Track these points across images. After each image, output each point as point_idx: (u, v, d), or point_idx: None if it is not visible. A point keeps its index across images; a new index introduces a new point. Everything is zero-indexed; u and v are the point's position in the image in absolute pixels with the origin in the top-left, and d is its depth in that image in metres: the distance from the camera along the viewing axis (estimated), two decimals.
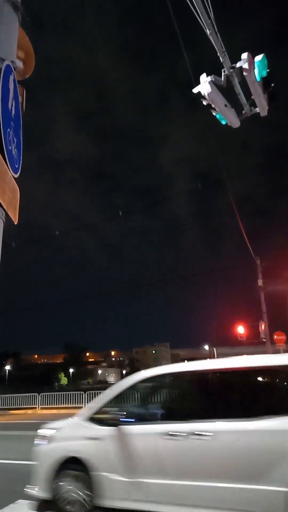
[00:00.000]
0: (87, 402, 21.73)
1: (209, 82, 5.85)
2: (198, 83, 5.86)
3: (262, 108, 6.12)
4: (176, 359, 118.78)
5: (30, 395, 23.88)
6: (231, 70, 5.84)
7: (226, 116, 6.23)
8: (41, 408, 22.97)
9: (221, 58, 5.80)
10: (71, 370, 75.24)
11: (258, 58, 5.65)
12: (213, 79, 5.88)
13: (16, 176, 2.38)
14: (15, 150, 2.34)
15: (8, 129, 2.18)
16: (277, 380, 4.34)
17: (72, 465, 4.49)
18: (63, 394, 23.66)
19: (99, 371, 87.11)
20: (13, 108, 2.32)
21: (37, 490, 4.68)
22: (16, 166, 2.38)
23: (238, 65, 5.73)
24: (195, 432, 3.88)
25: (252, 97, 6.00)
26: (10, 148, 2.22)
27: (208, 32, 5.59)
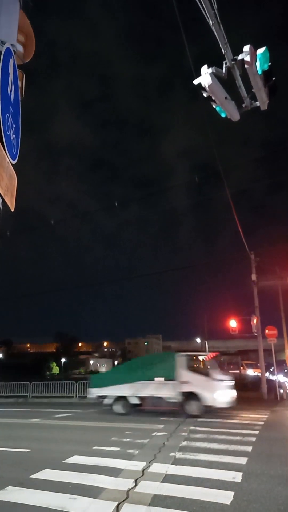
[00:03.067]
0: (79, 392, 21.82)
1: (210, 74, 5.79)
2: (199, 74, 5.81)
3: (262, 101, 6.09)
4: (168, 351, 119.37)
5: (21, 384, 23.92)
6: (232, 62, 5.79)
7: (226, 109, 6.19)
8: (32, 397, 23.03)
9: (223, 50, 5.74)
10: (63, 360, 75.36)
11: (260, 51, 5.60)
12: (214, 71, 5.83)
13: (14, 162, 2.34)
14: (14, 136, 2.30)
15: (7, 114, 2.14)
16: None
17: None
18: (55, 383, 23.73)
19: (91, 361, 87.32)
20: (12, 92, 2.27)
21: None
22: (14, 153, 2.34)
23: (240, 57, 5.68)
24: None
25: (252, 90, 5.96)
26: (8, 133, 2.18)
27: (210, 23, 5.53)
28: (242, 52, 5.64)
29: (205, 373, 13.26)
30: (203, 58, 5.96)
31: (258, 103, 6.17)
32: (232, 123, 6.47)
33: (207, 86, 5.83)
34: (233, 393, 13.26)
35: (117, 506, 4.50)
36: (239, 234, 19.60)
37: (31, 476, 5.76)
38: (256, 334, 21.56)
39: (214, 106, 6.21)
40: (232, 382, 13.59)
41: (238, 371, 35.65)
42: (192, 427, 10.29)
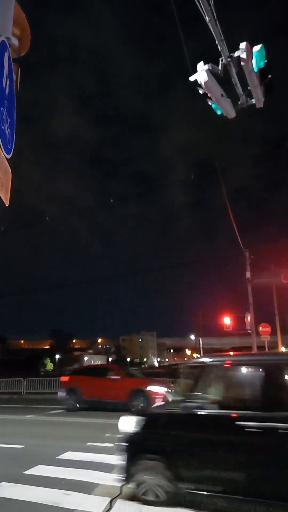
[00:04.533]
0: None
1: (206, 71, 5.78)
2: (196, 71, 5.79)
3: (258, 99, 6.08)
4: (162, 348, 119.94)
5: (15, 380, 23.87)
6: (228, 59, 5.78)
7: (222, 106, 6.18)
8: (27, 393, 23.00)
9: (219, 47, 5.72)
10: (57, 356, 75.33)
11: (257, 48, 5.59)
12: (210, 68, 5.82)
13: (8, 157, 2.32)
14: (8, 130, 2.29)
15: (2, 108, 2.12)
16: None
17: None
18: (49, 379, 23.71)
19: (85, 358, 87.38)
20: (7, 86, 2.25)
21: None
22: (9, 147, 2.32)
23: (236, 54, 5.67)
24: None
25: (248, 87, 5.96)
26: (3, 128, 2.16)
27: (207, 19, 5.50)
28: (238, 49, 5.63)
29: None
30: (203, 56, 5.93)
31: (253, 101, 6.16)
32: (232, 119, 6.46)
33: (203, 83, 5.82)
34: None
35: (111, 501, 4.52)
36: (234, 231, 19.66)
37: (25, 472, 5.76)
38: (250, 331, 21.68)
39: (210, 103, 6.20)
40: None
41: None
42: None
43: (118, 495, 4.72)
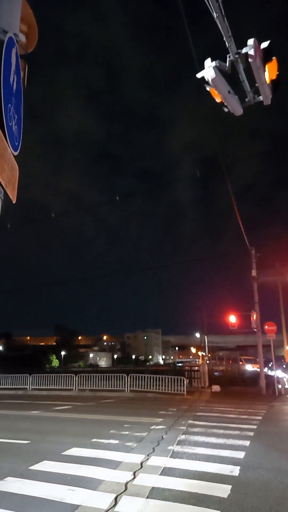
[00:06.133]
0: (78, 385, 21.94)
1: (214, 67, 5.74)
2: (203, 67, 5.76)
3: (265, 96, 6.04)
4: (167, 346, 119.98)
5: (21, 376, 24.00)
6: (236, 56, 5.74)
7: (229, 103, 6.15)
8: (32, 389, 23.13)
9: (226, 43, 5.68)
10: (62, 353, 75.61)
11: (264, 44, 5.55)
12: (218, 65, 5.78)
13: (15, 154, 2.32)
14: (16, 127, 2.28)
15: (9, 105, 2.12)
16: None
17: None
18: (54, 376, 23.82)
19: (91, 355, 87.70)
20: (15, 83, 2.25)
21: None
22: (16, 144, 2.32)
23: (243, 51, 5.63)
24: None
25: (256, 84, 5.92)
26: (10, 124, 2.16)
27: (215, 15, 5.47)
28: (246, 45, 5.59)
29: None
30: (210, 52, 5.92)
31: (261, 98, 6.12)
32: (240, 116, 6.42)
33: (210, 80, 5.79)
34: None
35: (116, 498, 4.53)
36: (240, 229, 19.57)
37: (30, 468, 5.80)
38: (255, 330, 21.61)
39: (217, 101, 6.17)
40: None
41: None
42: (190, 421, 10.35)
43: (123, 492, 4.74)
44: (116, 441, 7.78)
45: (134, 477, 5.32)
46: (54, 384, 23.04)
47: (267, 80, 5.72)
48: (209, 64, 5.76)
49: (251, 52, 5.52)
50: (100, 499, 4.52)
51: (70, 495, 4.62)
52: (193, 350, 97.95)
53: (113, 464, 5.95)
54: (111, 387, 21.24)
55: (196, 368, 25.41)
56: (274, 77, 5.73)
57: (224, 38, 5.64)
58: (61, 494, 4.64)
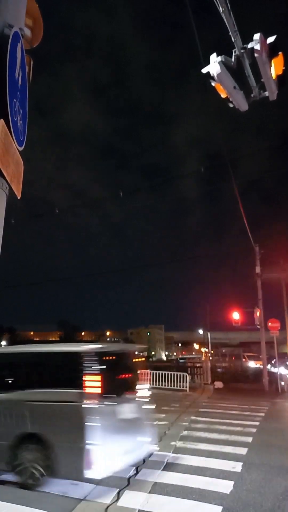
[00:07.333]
0: None
1: (219, 62, 5.69)
2: (209, 62, 5.71)
3: (271, 91, 5.97)
4: (170, 342, 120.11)
5: None
6: (242, 51, 5.68)
7: (234, 99, 6.09)
8: None
9: (232, 38, 5.63)
10: None
11: (271, 39, 5.50)
12: (223, 60, 5.73)
13: (20, 149, 2.31)
14: (21, 122, 2.28)
15: (14, 100, 2.11)
16: None
17: None
18: None
19: None
20: (20, 78, 2.24)
21: None
22: (21, 139, 2.32)
23: (249, 45, 5.57)
24: None
25: (262, 80, 5.86)
26: (15, 119, 2.15)
27: (220, 9, 5.41)
28: (252, 40, 5.53)
29: None
30: (216, 47, 5.84)
31: (267, 93, 6.07)
32: (247, 111, 6.37)
33: (215, 75, 5.74)
34: None
35: (118, 492, 4.57)
36: (245, 225, 19.49)
37: None
38: (258, 327, 21.57)
39: (223, 96, 6.12)
40: None
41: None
42: (193, 417, 10.37)
43: (126, 486, 4.77)
44: None
45: (137, 472, 5.35)
46: None
47: (273, 75, 5.66)
48: (214, 59, 5.70)
49: (257, 47, 5.46)
50: (102, 493, 4.55)
51: (74, 489, 4.65)
52: (196, 346, 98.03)
53: None
54: None
55: (199, 364, 25.41)
56: (280, 72, 5.67)
57: (230, 33, 5.58)
58: (65, 488, 4.68)
